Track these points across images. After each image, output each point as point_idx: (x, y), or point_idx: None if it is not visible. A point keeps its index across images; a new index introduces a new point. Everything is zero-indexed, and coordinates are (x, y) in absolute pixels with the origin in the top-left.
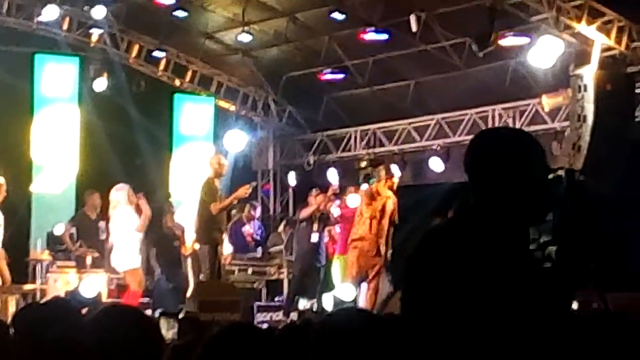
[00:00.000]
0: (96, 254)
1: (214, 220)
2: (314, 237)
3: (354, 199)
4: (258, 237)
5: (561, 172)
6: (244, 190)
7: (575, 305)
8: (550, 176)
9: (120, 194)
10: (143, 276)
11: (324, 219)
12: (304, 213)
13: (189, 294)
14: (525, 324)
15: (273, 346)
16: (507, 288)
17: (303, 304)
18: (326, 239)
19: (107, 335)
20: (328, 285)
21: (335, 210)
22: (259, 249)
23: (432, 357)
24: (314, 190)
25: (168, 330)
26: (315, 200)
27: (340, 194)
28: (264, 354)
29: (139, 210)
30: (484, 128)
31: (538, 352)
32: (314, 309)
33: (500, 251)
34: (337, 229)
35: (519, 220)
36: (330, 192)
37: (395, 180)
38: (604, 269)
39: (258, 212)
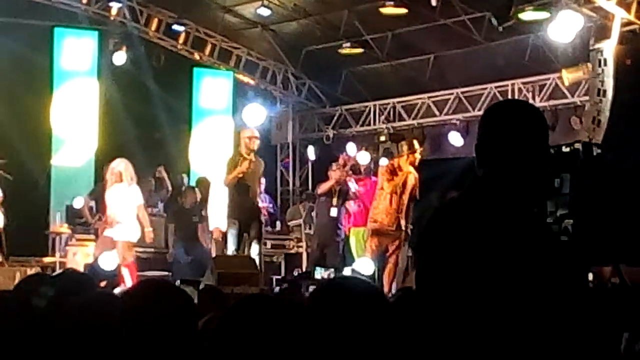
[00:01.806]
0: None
1: (235, 196)
2: (333, 212)
3: (363, 156)
4: (272, 210)
5: (578, 146)
6: (246, 166)
7: (591, 278)
8: (567, 149)
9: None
10: (118, 250)
11: (344, 194)
12: (322, 188)
13: None
14: (540, 296)
15: (293, 317)
16: (519, 261)
17: (320, 273)
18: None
19: (145, 309)
20: (346, 259)
21: (352, 185)
22: (278, 223)
23: (445, 331)
24: (333, 164)
25: None
26: (334, 174)
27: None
28: (283, 325)
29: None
30: None
31: (553, 325)
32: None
33: (511, 224)
34: (351, 203)
35: (527, 192)
36: (341, 161)
37: (417, 156)
38: (623, 243)
39: (263, 186)
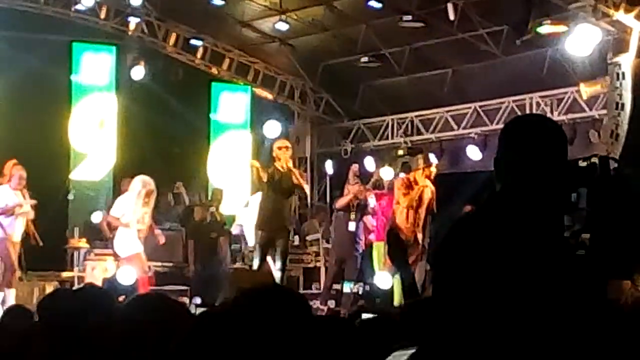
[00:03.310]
0: None
1: (262, 207)
2: (352, 226)
3: (387, 172)
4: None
5: (595, 160)
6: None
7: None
8: (584, 164)
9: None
10: (145, 262)
11: (362, 208)
12: (341, 202)
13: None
14: (557, 310)
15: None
16: (536, 275)
17: (349, 286)
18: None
19: (137, 322)
20: (366, 273)
21: (372, 201)
22: (296, 237)
23: (462, 345)
24: (351, 178)
25: None
26: (352, 188)
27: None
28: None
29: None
30: None
31: (570, 339)
32: (360, 293)
33: (530, 239)
34: (369, 218)
35: (546, 207)
36: (351, 173)
37: (433, 169)
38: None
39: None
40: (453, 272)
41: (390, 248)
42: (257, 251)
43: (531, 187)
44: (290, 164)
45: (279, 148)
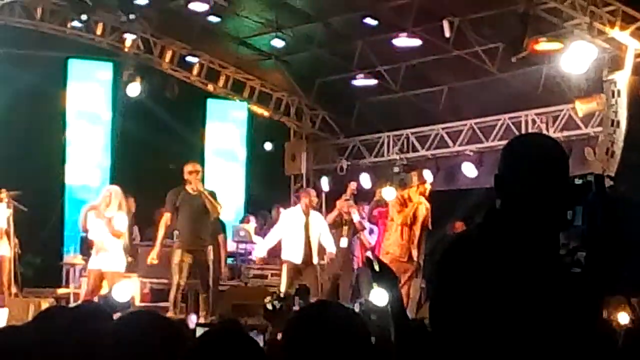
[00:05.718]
0: (129, 259)
1: (179, 228)
2: (343, 242)
3: (389, 192)
4: None
5: (590, 178)
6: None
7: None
8: (580, 181)
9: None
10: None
11: (354, 224)
12: (329, 218)
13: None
14: (554, 328)
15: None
16: (534, 293)
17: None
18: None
19: (129, 340)
20: (361, 291)
21: (355, 216)
22: None
23: None
24: (343, 195)
25: None
26: (337, 204)
27: (367, 199)
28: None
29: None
30: (517, 133)
31: (566, 357)
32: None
33: (527, 256)
34: (366, 234)
35: (545, 225)
36: (348, 192)
37: (427, 186)
38: (634, 276)
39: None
40: (451, 290)
41: (377, 272)
42: (178, 269)
43: (531, 204)
44: (201, 187)
45: (190, 172)
